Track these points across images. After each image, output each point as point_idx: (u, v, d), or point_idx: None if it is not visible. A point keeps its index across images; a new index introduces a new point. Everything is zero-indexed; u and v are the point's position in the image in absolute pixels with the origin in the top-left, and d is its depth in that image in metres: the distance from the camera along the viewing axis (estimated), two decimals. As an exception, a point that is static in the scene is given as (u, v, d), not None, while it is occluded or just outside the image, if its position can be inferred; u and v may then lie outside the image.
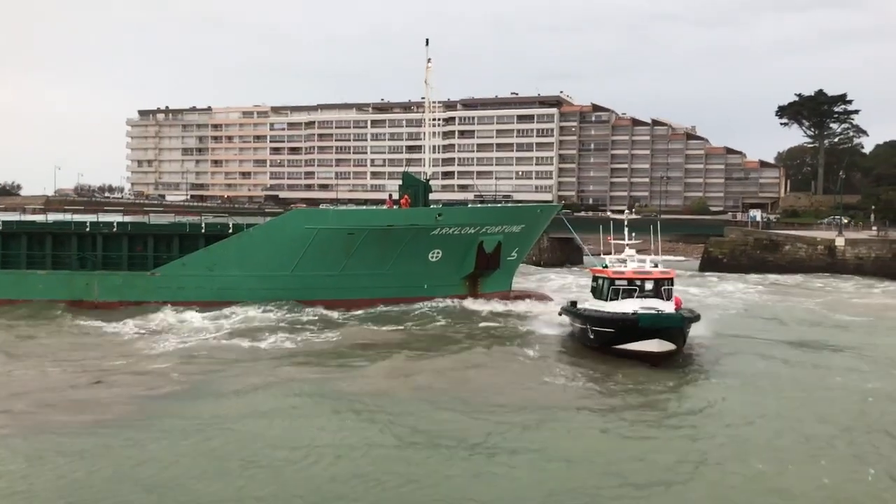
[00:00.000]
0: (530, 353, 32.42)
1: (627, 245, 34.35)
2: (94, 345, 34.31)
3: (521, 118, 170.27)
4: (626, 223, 35.53)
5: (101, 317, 41.11)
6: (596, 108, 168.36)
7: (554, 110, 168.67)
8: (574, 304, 35.06)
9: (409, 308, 44.36)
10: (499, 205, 62.92)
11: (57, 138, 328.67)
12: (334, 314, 42.37)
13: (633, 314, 29.75)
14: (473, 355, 32.17)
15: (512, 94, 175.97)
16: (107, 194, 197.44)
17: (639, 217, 39.83)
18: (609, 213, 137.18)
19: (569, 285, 60.56)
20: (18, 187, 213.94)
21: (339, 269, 45.21)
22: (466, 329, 38.82)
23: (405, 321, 40.96)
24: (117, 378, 27.73)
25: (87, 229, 48.18)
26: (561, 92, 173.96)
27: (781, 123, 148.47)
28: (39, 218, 52.81)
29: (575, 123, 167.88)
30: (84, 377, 27.92)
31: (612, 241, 35.25)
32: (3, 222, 49.25)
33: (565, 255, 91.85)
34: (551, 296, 51.61)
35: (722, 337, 35.40)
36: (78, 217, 51.62)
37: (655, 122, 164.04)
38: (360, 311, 43.45)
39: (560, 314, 36.34)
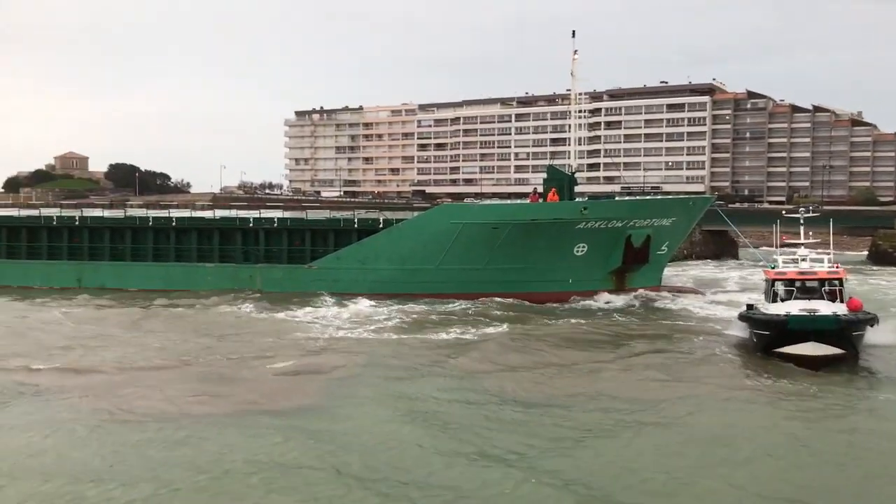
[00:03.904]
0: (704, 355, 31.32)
1: (803, 244, 32.62)
2: (274, 332, 36.01)
3: (670, 107, 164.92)
4: (801, 220, 33.72)
5: (271, 306, 43.51)
6: (751, 94, 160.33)
7: (706, 98, 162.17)
8: (750, 307, 32.80)
9: (556, 303, 44.27)
10: (647, 197, 61.32)
11: (222, 139, 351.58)
12: (482, 308, 42.87)
13: (784, 316, 28.44)
14: (639, 358, 31.27)
15: (661, 82, 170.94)
16: (267, 191, 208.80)
17: (817, 214, 37.52)
18: (767, 205, 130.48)
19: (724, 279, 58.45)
20: (189, 185, 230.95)
21: (484, 263, 45.72)
22: (621, 327, 38.17)
23: (557, 316, 40.76)
24: (298, 364, 29.18)
25: (251, 225, 51.36)
26: (713, 79, 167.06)
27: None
28: (208, 214, 56.58)
29: (728, 111, 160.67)
30: (268, 363, 29.40)
31: (786, 239, 33.76)
32: (177, 219, 53.32)
33: (719, 249, 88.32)
34: (702, 290, 50.06)
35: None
36: (242, 213, 55.05)
37: (817, 109, 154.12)
38: (507, 304, 43.77)
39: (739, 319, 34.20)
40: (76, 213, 55.78)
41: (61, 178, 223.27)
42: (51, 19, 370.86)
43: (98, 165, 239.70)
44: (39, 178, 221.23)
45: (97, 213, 58.88)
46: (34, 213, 57.34)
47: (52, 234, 53.08)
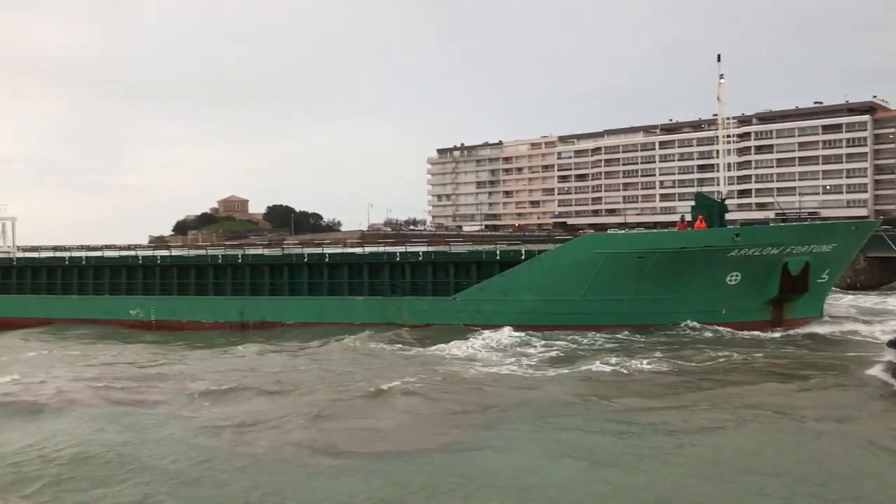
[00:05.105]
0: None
1: None
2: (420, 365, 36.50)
3: (826, 128, 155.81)
4: None
5: (420, 338, 44.45)
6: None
7: (866, 117, 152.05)
8: None
9: (707, 333, 42.72)
10: (805, 223, 58.02)
11: (369, 179, 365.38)
12: (630, 339, 41.93)
13: None
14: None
15: (815, 103, 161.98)
16: (412, 227, 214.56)
17: None
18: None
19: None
20: (339, 223, 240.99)
21: (631, 294, 44.77)
22: (778, 358, 36.12)
23: (711, 346, 39.21)
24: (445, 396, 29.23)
25: (398, 259, 52.93)
26: (874, 97, 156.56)
27: None
28: (358, 250, 58.63)
29: (893, 130, 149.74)
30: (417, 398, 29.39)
31: None
32: (329, 255, 55.76)
33: (887, 277, 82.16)
34: (867, 319, 46.93)
35: None
36: (389, 248, 56.87)
37: None
38: (657, 336, 42.55)
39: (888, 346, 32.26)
40: (238, 252, 59.37)
41: (224, 220, 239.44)
42: (221, 75, 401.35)
43: (257, 207, 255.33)
44: (205, 221, 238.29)
45: (257, 251, 62.44)
46: (201, 252, 61.47)
47: (217, 271, 56.91)
